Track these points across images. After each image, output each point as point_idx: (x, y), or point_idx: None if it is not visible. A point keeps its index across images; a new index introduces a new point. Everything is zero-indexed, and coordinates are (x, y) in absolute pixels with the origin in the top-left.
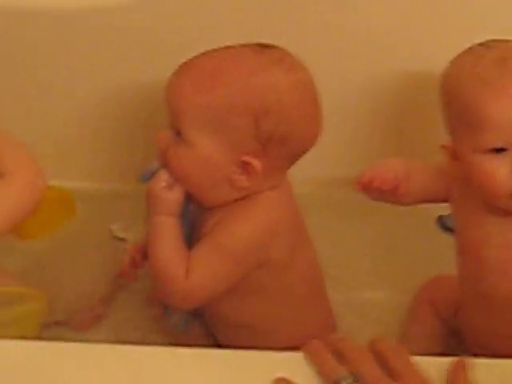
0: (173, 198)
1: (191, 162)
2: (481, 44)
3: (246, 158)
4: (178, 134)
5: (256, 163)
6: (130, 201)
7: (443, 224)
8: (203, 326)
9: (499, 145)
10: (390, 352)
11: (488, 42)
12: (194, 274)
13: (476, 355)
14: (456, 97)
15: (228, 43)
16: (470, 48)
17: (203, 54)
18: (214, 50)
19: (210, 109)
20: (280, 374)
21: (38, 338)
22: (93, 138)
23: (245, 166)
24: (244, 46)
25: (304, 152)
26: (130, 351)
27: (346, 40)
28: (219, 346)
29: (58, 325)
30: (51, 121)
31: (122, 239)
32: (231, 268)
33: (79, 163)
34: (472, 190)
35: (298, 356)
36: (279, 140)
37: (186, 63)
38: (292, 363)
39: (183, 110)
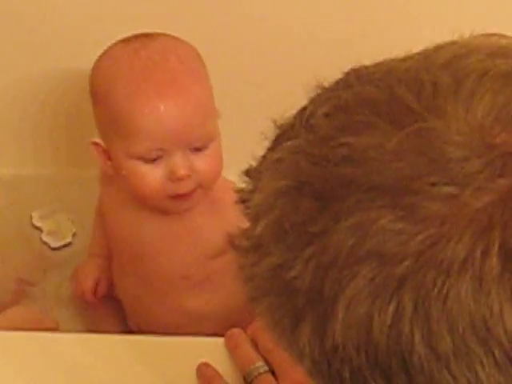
0: None
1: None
2: (141, 36)
3: None
4: (198, 149)
5: None
6: (55, 187)
7: None
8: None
9: (151, 155)
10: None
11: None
12: None
13: None
14: (106, 97)
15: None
16: (126, 39)
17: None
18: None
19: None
20: (203, 360)
21: None
22: (15, 123)
23: None
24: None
25: None
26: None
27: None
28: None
29: None
30: None
31: (38, 228)
32: None
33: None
34: None
35: (221, 342)
36: None
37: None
38: (216, 349)
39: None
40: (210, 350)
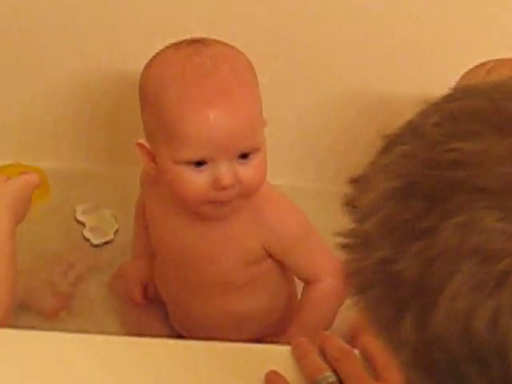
0: None
1: (264, 163)
2: (194, 41)
3: None
4: (247, 154)
5: None
6: (100, 182)
7: None
8: (162, 315)
9: (197, 162)
10: (376, 351)
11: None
12: None
13: None
14: (156, 101)
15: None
16: (179, 44)
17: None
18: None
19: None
20: (272, 368)
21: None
22: (66, 119)
23: None
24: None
25: None
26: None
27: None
28: (180, 336)
29: (23, 308)
30: (19, 99)
31: (80, 223)
32: None
33: (52, 143)
34: None
35: (286, 350)
36: None
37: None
38: (281, 357)
39: (255, 131)
40: (275, 357)
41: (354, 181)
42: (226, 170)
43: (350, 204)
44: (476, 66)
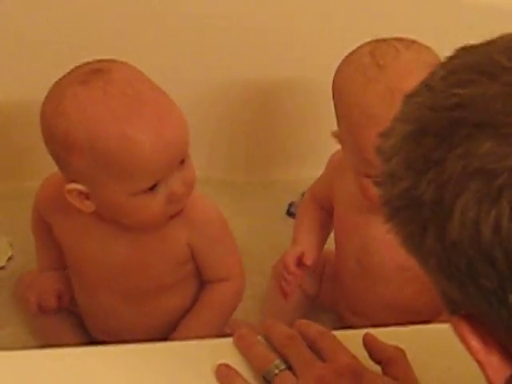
0: None
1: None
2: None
3: None
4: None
5: None
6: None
7: (289, 210)
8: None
9: (154, 183)
10: (317, 334)
11: None
12: None
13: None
14: (90, 145)
15: None
16: (81, 78)
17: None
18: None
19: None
20: (220, 361)
21: None
22: None
23: None
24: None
25: None
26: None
27: None
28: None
29: None
30: None
31: None
32: None
33: None
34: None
35: (229, 342)
36: None
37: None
38: (226, 349)
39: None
40: (215, 351)
41: (381, 134)
42: (176, 183)
43: (378, 152)
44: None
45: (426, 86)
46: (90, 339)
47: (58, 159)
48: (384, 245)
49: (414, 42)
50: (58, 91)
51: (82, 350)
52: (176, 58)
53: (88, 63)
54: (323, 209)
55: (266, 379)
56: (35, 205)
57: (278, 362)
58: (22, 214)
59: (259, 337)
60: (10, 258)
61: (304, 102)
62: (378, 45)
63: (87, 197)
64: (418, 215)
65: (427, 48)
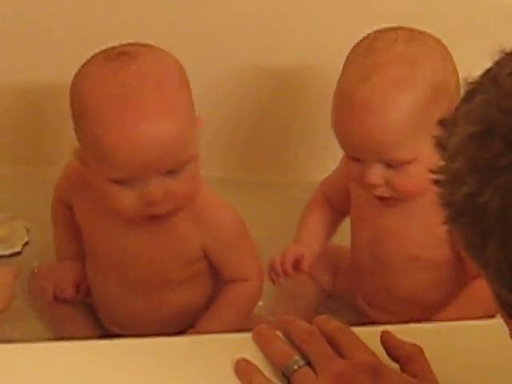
0: None
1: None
2: (123, 53)
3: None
4: (173, 173)
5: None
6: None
7: None
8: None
9: (126, 180)
10: (336, 330)
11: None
12: None
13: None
14: (81, 117)
15: None
16: (108, 54)
17: None
18: None
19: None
20: (239, 356)
21: None
22: None
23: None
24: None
25: None
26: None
27: None
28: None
29: None
30: None
31: None
32: None
33: None
34: None
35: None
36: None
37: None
38: (246, 344)
39: (183, 146)
40: (234, 346)
41: (442, 123)
42: (154, 187)
43: (439, 145)
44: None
45: (493, 80)
46: (104, 331)
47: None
48: (396, 236)
49: (422, 35)
50: (86, 61)
51: (97, 343)
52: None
53: (125, 44)
54: (333, 206)
55: (285, 375)
56: (56, 190)
57: (297, 357)
58: (40, 200)
59: (278, 332)
60: (26, 244)
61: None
62: (385, 30)
63: (87, 167)
64: (480, 222)
65: (434, 46)
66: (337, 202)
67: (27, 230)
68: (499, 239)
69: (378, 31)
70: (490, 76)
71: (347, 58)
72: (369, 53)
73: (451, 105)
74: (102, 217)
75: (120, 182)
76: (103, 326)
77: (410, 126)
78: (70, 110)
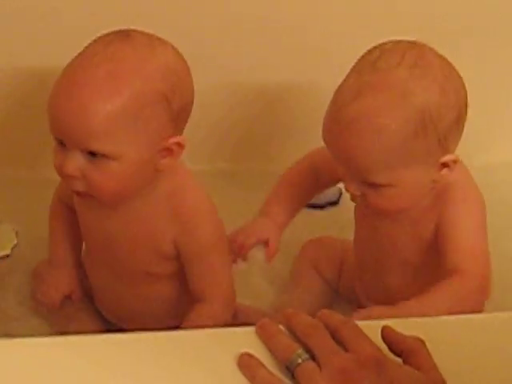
0: None
1: (119, 174)
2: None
3: (171, 142)
4: (93, 154)
5: (181, 140)
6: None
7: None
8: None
9: (54, 134)
10: (339, 323)
11: None
12: None
13: None
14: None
15: None
16: (106, 36)
17: (82, 62)
18: (86, 56)
19: (123, 115)
20: (242, 350)
21: None
22: None
23: (169, 149)
24: (107, 38)
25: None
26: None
27: None
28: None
29: None
30: None
31: None
32: None
33: None
34: None
35: (252, 331)
36: (184, 110)
37: (75, 81)
38: (249, 339)
39: (97, 130)
40: (237, 340)
41: None
42: (66, 158)
43: None
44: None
45: None
46: (107, 324)
47: None
48: (389, 240)
49: (429, 62)
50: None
51: (98, 338)
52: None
53: (141, 31)
54: (318, 178)
55: (289, 369)
56: (57, 189)
57: (300, 351)
58: (29, 203)
59: (281, 326)
60: (15, 246)
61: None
62: (394, 48)
63: None
64: None
65: (438, 77)
66: (325, 174)
67: (16, 233)
68: None
69: (386, 48)
70: None
71: (354, 65)
72: (370, 70)
73: (441, 139)
74: (90, 205)
75: (57, 142)
76: (106, 320)
77: (391, 154)
78: None
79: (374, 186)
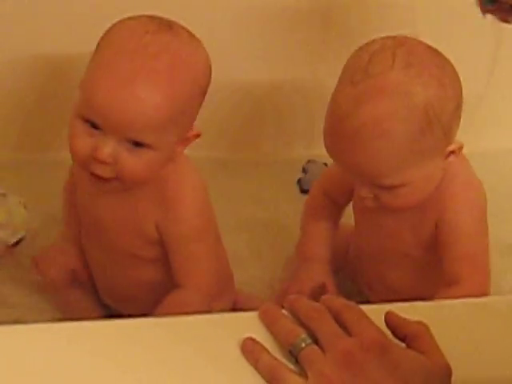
0: None
1: (154, 163)
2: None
3: (192, 133)
4: (136, 144)
5: (199, 131)
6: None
7: (301, 186)
8: (93, 297)
9: (89, 118)
10: (342, 307)
11: None
12: None
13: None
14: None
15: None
16: (152, 17)
17: (136, 49)
18: (135, 43)
19: (176, 108)
20: (246, 335)
21: None
22: None
23: (188, 139)
24: (150, 27)
25: None
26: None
27: None
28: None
29: None
30: None
31: None
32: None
33: None
34: None
35: (255, 316)
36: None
37: (134, 70)
38: (252, 324)
39: (152, 122)
40: (240, 325)
41: None
42: (105, 144)
43: None
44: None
45: None
46: (107, 311)
47: None
48: (389, 234)
49: (421, 57)
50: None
51: (102, 323)
52: None
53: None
54: (335, 202)
55: (292, 353)
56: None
57: (304, 335)
58: (38, 183)
59: (284, 311)
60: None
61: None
62: (382, 48)
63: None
64: None
65: (433, 71)
66: (339, 196)
67: (24, 206)
68: None
69: (374, 50)
70: None
71: (342, 73)
72: (363, 77)
73: (446, 130)
74: (85, 184)
75: (86, 123)
76: (106, 306)
77: (401, 157)
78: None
79: (386, 188)
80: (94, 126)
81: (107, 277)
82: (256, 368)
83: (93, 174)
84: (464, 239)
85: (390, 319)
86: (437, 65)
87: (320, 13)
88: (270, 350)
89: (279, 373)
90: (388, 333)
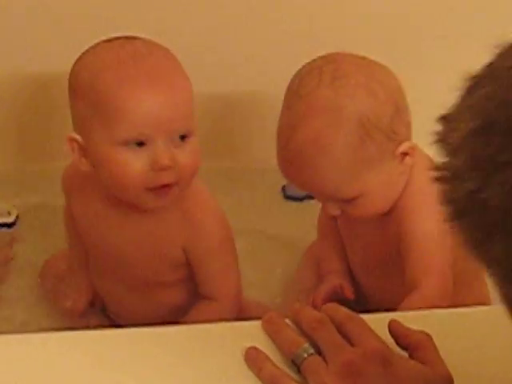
0: None
1: (198, 148)
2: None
3: None
4: (182, 137)
5: None
6: None
7: (285, 193)
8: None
9: (135, 140)
10: (345, 318)
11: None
12: None
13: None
14: (91, 87)
15: None
16: (109, 39)
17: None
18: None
19: (191, 90)
20: (249, 345)
21: None
22: None
23: None
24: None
25: None
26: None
27: None
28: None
29: None
30: None
31: None
32: None
33: None
34: None
35: (258, 325)
36: None
37: (154, 73)
38: (255, 333)
39: (188, 111)
40: (244, 334)
41: (443, 118)
42: (163, 150)
43: (440, 140)
44: None
45: (492, 74)
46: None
47: (70, 108)
48: (367, 244)
49: (347, 69)
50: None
51: (105, 333)
52: None
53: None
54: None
55: (295, 363)
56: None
57: (306, 345)
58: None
59: (287, 320)
60: (18, 217)
61: None
62: (311, 67)
63: (85, 154)
64: (483, 220)
65: (360, 81)
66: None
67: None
68: (503, 237)
69: (303, 73)
70: (490, 70)
71: (283, 101)
72: (296, 100)
73: (389, 133)
74: (96, 211)
75: (130, 145)
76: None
77: (347, 169)
78: (70, 91)
79: (348, 200)
80: (138, 144)
81: (123, 304)
82: (259, 377)
83: (157, 191)
84: (422, 245)
85: (393, 328)
86: (363, 73)
87: (304, 25)
88: (272, 359)
89: (281, 382)
90: (390, 342)
